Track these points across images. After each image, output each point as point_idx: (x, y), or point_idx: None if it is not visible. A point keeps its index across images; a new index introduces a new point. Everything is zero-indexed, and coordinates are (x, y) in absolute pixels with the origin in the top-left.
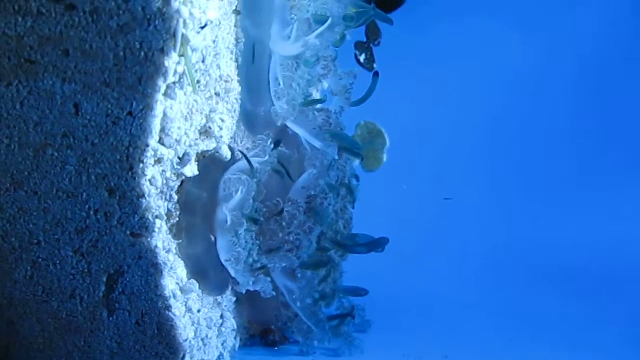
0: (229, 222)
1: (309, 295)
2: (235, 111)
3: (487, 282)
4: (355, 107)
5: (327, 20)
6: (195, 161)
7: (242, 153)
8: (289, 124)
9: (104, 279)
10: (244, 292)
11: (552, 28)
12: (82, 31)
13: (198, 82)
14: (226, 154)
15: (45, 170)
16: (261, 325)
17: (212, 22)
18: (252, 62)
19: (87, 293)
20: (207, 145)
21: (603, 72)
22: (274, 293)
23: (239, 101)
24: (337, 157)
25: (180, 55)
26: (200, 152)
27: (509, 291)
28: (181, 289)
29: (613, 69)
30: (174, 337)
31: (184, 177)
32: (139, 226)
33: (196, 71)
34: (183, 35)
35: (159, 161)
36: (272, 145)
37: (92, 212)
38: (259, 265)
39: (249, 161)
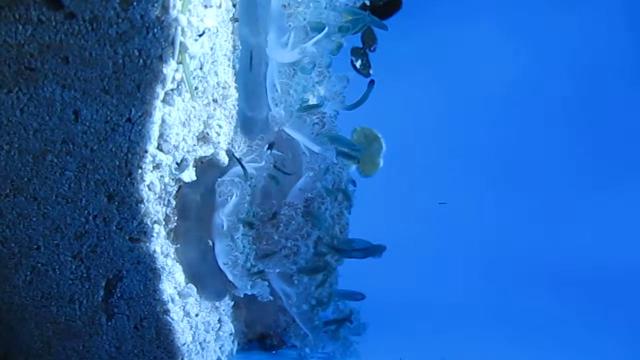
0: (225, 227)
1: (305, 301)
2: (232, 117)
3: (483, 285)
4: (350, 111)
5: (323, 28)
6: (193, 167)
7: (235, 157)
8: (287, 130)
9: (103, 284)
10: (242, 296)
11: (547, 34)
12: (82, 39)
13: (196, 88)
14: (223, 159)
15: (44, 176)
16: (260, 326)
17: (209, 30)
18: (250, 68)
19: (85, 297)
20: (205, 150)
21: (599, 76)
22: (271, 297)
23: (236, 107)
24: (335, 161)
25: (178, 63)
26: (198, 157)
27: (505, 294)
28: (179, 293)
29: (609, 74)
30: (172, 341)
31: (181, 183)
32: (137, 231)
33: (194, 78)
34: (181, 42)
35: (157, 167)
36: (269, 151)
37: (91, 218)
38: (256, 269)
39: (242, 165)
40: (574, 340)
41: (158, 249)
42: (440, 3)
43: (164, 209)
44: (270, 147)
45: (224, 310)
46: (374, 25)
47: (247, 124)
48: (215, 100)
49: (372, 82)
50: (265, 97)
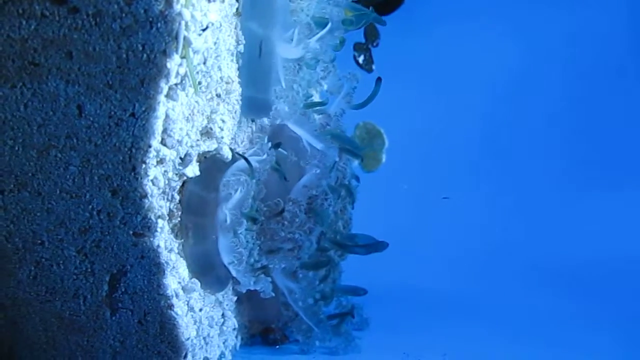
0: (228, 221)
1: (310, 295)
2: (235, 112)
3: (485, 280)
4: (356, 110)
5: (327, 24)
6: (197, 161)
7: (240, 155)
8: (290, 125)
9: (107, 279)
10: (244, 291)
11: (548, 32)
12: (85, 34)
13: (199, 83)
14: (227, 154)
15: (48, 171)
16: (261, 324)
17: (213, 25)
18: (259, 56)
19: (90, 292)
20: (208, 145)
21: (598, 76)
22: (273, 294)
23: (240, 102)
24: (337, 159)
25: (182, 57)
26: (201, 152)
27: (508, 290)
28: (183, 288)
29: (608, 75)
30: (176, 335)
31: (185, 177)
32: (141, 226)
33: (197, 73)
34: (185, 37)
35: (161, 162)
36: (270, 144)
37: (95, 212)
38: (259, 265)
39: (247, 162)
40: (572, 337)
41: (162, 244)
42: None
43: (167, 203)
44: (276, 146)
45: (227, 305)
46: (374, 21)
47: (254, 107)
48: (218, 95)
49: (379, 79)
50: (272, 81)
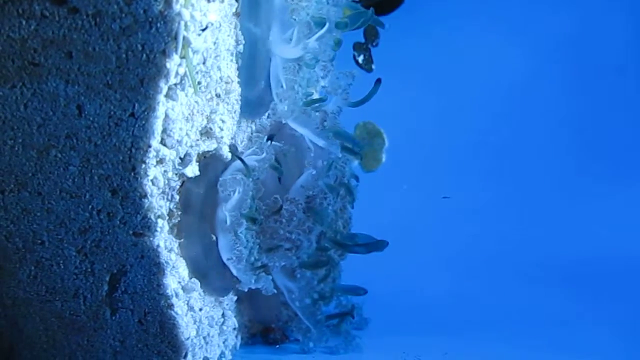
0: (228, 222)
1: (307, 296)
2: (235, 112)
3: (485, 280)
4: (353, 108)
5: (326, 23)
6: (196, 161)
7: (236, 156)
8: (291, 123)
9: (107, 278)
10: (246, 290)
11: (548, 32)
12: (85, 34)
13: (199, 83)
14: (227, 154)
15: (48, 171)
16: (262, 324)
17: (212, 25)
18: (255, 56)
19: (90, 292)
20: (208, 145)
21: (598, 76)
22: (275, 291)
23: (239, 102)
24: (340, 155)
25: (182, 57)
26: (201, 152)
27: (508, 290)
28: (183, 288)
29: (608, 75)
30: (176, 335)
31: (185, 177)
32: (141, 226)
33: (197, 73)
34: (184, 37)
35: (160, 161)
36: (269, 142)
37: (95, 212)
38: (260, 263)
39: (243, 162)
40: (573, 337)
41: (162, 244)
42: None
43: (167, 203)
44: (270, 139)
45: (227, 304)
46: (372, 23)
47: (251, 106)
48: (218, 95)
49: (378, 80)
50: (269, 79)
